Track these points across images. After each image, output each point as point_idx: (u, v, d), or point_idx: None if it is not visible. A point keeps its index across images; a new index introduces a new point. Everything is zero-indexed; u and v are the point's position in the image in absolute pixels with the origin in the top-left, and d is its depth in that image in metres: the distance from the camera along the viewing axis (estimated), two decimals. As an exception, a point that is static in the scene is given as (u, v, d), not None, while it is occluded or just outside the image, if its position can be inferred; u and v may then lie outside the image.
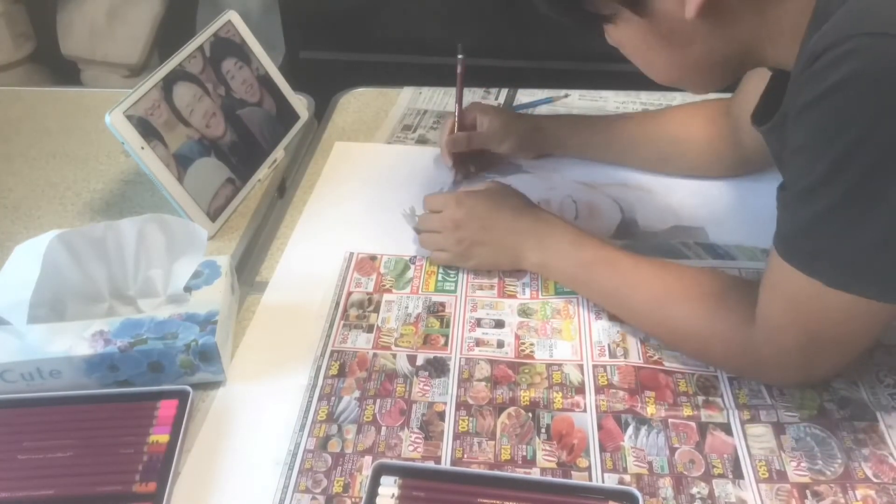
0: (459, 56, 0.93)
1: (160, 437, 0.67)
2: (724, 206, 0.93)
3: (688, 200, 0.94)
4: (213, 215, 0.92)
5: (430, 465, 0.66)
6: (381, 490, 0.62)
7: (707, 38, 0.64)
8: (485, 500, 0.61)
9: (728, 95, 0.91)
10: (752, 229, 0.89)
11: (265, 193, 0.99)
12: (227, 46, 0.99)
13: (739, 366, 0.71)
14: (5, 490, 0.63)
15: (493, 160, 1.02)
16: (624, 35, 0.68)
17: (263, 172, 1.00)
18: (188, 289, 0.75)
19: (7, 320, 0.70)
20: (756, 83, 0.76)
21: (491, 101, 1.15)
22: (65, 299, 0.74)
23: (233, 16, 1.00)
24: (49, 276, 0.70)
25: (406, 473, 0.63)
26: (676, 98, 1.12)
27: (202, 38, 0.96)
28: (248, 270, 0.88)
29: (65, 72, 1.69)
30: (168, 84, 0.90)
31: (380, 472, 0.63)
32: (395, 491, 0.62)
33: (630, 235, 0.90)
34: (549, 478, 0.64)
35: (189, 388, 0.70)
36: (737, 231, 0.88)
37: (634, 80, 1.17)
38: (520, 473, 0.65)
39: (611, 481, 0.64)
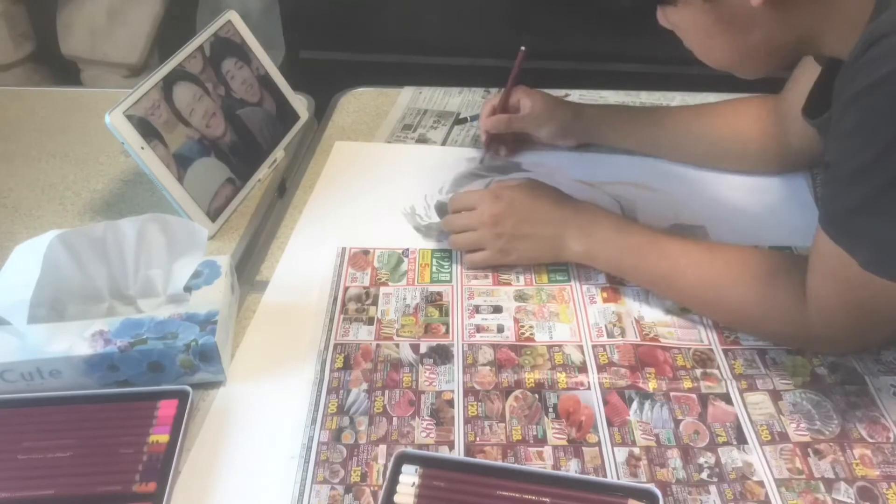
0: (522, 48, 0.94)
1: (160, 437, 0.67)
2: (724, 205, 0.93)
3: (688, 199, 0.94)
4: (213, 215, 0.92)
5: (452, 456, 0.66)
6: (401, 478, 0.62)
7: (769, 24, 0.64)
8: (504, 493, 0.61)
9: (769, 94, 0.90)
10: (752, 228, 0.89)
11: (265, 193, 0.99)
12: (227, 46, 0.99)
13: (795, 341, 0.73)
14: (5, 490, 0.63)
15: (526, 145, 1.03)
16: (683, 18, 0.67)
17: (263, 172, 1.00)
18: (188, 289, 0.75)
19: (7, 320, 0.70)
20: (807, 78, 0.76)
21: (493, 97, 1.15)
22: (65, 299, 0.74)
23: (233, 16, 1.00)
24: (49, 276, 0.70)
25: (427, 463, 0.63)
26: (676, 98, 1.12)
27: (202, 38, 0.96)
28: (248, 270, 0.88)
29: (65, 72, 1.69)
30: (168, 84, 0.90)
31: (401, 461, 0.63)
32: (416, 480, 0.62)
33: (630, 235, 0.90)
34: (569, 473, 0.65)
35: (189, 388, 0.70)
36: (737, 229, 0.88)
37: (635, 80, 1.18)
38: (540, 468, 0.65)
39: (621, 455, 0.66)
